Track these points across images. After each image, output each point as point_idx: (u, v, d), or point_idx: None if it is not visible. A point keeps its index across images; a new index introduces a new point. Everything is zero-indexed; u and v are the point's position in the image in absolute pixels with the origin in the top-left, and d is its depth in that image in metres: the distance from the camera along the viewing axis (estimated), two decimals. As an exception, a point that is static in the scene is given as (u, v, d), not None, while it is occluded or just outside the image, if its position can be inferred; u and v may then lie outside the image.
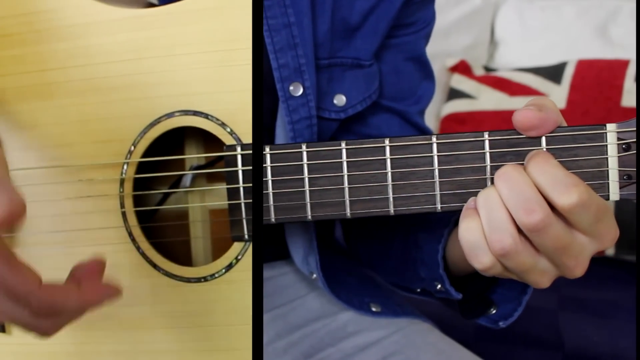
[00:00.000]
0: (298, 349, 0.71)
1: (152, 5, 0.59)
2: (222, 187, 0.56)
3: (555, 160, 0.49)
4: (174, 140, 0.61)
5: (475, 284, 0.65)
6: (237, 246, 0.56)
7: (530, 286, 0.60)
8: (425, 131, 0.75)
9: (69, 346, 0.60)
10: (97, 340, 0.59)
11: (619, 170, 0.51)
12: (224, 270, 0.56)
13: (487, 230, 0.49)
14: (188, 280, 0.57)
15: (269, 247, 0.75)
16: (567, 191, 0.47)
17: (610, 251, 1.26)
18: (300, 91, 0.63)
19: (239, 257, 0.56)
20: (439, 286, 0.62)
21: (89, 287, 0.50)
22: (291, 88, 0.63)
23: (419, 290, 0.68)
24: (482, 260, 0.49)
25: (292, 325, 0.73)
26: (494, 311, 0.63)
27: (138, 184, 0.58)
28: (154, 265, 0.58)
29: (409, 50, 0.72)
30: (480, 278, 0.64)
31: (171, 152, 0.60)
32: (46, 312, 0.48)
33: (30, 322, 0.48)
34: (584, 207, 0.47)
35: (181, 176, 0.61)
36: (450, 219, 0.63)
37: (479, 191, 0.51)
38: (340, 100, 0.68)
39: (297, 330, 0.73)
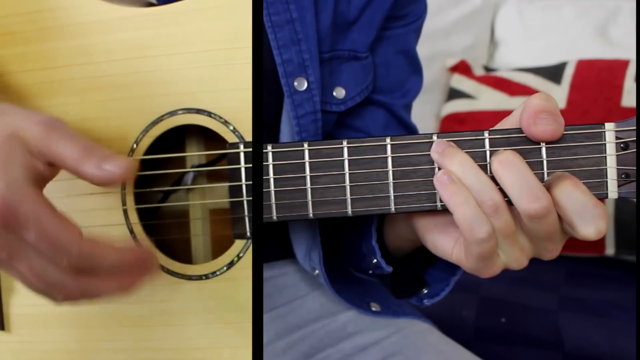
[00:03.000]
0: (298, 349, 0.71)
1: (152, 5, 0.59)
2: (225, 184, 0.56)
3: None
4: (175, 139, 0.61)
5: (410, 264, 0.66)
6: (238, 244, 0.56)
7: (461, 267, 0.60)
8: (409, 127, 0.76)
9: (69, 344, 0.60)
10: (98, 338, 0.59)
11: (617, 168, 0.51)
12: (225, 268, 0.57)
13: (475, 192, 0.49)
14: (189, 277, 0.57)
15: (270, 246, 0.75)
16: (594, 223, 0.48)
17: (610, 251, 1.26)
18: (305, 86, 0.63)
19: (241, 255, 0.56)
20: (375, 260, 0.63)
21: (129, 251, 0.50)
22: (295, 83, 0.63)
23: (370, 272, 0.68)
24: (483, 229, 0.49)
25: (292, 326, 0.73)
26: (426, 291, 0.65)
27: (140, 182, 0.58)
28: (155, 263, 0.58)
29: (399, 43, 0.73)
30: (414, 259, 0.65)
31: (172, 150, 0.61)
32: (84, 265, 0.47)
33: (59, 280, 0.47)
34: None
35: (183, 174, 0.61)
36: None
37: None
38: (339, 92, 0.68)
39: (296, 330, 0.73)
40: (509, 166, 0.49)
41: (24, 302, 0.60)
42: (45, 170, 0.50)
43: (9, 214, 0.46)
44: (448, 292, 0.64)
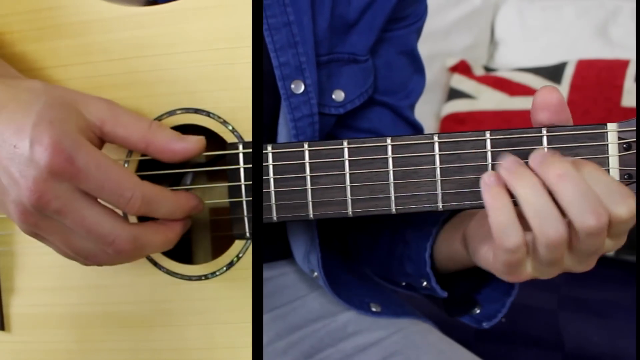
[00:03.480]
0: (298, 349, 0.71)
1: (153, 3, 0.59)
2: (224, 185, 0.56)
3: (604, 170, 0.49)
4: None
5: (461, 282, 0.65)
6: (238, 244, 0.56)
7: (515, 288, 0.61)
8: (416, 126, 0.76)
9: (69, 344, 0.60)
10: (98, 338, 0.59)
11: (620, 169, 0.51)
12: (225, 269, 0.56)
13: (538, 220, 0.47)
14: (189, 278, 0.57)
15: (270, 246, 0.75)
16: (624, 201, 0.47)
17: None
18: (302, 89, 0.63)
19: (240, 255, 0.56)
20: (425, 283, 0.63)
21: (183, 196, 0.53)
22: (292, 86, 0.63)
23: (404, 284, 0.68)
24: (512, 240, 0.48)
25: (292, 326, 0.73)
26: (478, 311, 0.64)
27: (141, 168, 0.58)
28: (155, 263, 0.58)
29: (401, 44, 0.73)
30: (466, 277, 0.65)
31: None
32: (144, 209, 0.49)
33: (113, 229, 0.48)
34: (633, 218, 0.48)
35: (182, 174, 0.61)
36: (439, 218, 0.63)
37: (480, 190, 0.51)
38: (338, 95, 0.68)
39: (297, 330, 0.73)
40: (569, 180, 0.47)
41: (24, 302, 0.60)
42: (94, 141, 0.51)
43: (67, 162, 0.46)
44: (504, 313, 0.63)
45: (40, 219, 0.48)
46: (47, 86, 0.50)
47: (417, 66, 0.75)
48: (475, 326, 0.65)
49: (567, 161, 0.48)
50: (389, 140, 0.52)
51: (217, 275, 0.57)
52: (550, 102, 0.50)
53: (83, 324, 0.59)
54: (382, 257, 0.71)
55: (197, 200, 0.54)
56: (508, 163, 0.49)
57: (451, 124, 1.48)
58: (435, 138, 0.51)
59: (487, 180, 0.49)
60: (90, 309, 0.59)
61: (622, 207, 0.47)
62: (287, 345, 0.72)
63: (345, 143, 0.52)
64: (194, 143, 0.52)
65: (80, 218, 0.48)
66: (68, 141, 0.47)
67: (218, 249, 0.58)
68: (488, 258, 0.53)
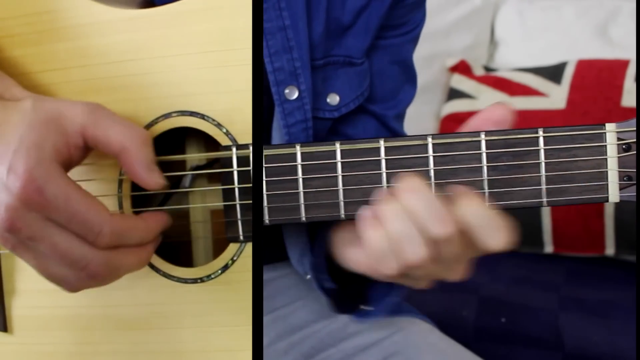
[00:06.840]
0: (298, 350, 0.71)
1: (149, 5, 0.59)
2: (218, 187, 0.56)
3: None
4: (175, 140, 0.61)
5: (350, 281, 0.65)
6: (233, 247, 0.56)
7: (398, 290, 0.62)
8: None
9: (69, 346, 0.60)
10: (97, 341, 0.59)
11: (619, 171, 0.50)
12: (220, 271, 0.57)
13: (399, 242, 0.49)
14: (185, 281, 0.57)
15: (269, 248, 0.75)
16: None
17: (610, 251, 1.26)
18: (296, 95, 0.63)
19: (235, 258, 0.56)
20: (308, 277, 0.63)
21: (152, 220, 0.54)
22: (286, 91, 0.62)
23: (308, 277, 0.68)
24: (391, 266, 0.50)
25: (292, 326, 0.73)
26: (367, 308, 0.65)
27: (136, 185, 0.58)
28: (152, 266, 0.58)
29: (395, 53, 0.72)
30: (354, 276, 0.65)
31: (171, 152, 0.61)
32: (115, 242, 0.50)
33: (86, 256, 0.49)
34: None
35: (181, 176, 0.61)
36: None
37: (479, 192, 0.51)
38: (333, 99, 0.68)
39: (297, 331, 0.73)
40: (415, 191, 0.49)
41: (26, 304, 0.61)
42: (74, 154, 0.51)
43: (37, 194, 0.47)
44: (383, 315, 0.64)
45: (17, 243, 0.49)
46: (36, 104, 0.51)
47: (409, 75, 0.75)
48: (357, 319, 0.65)
49: (415, 175, 0.50)
50: (381, 142, 0.51)
51: (212, 278, 0.57)
52: (497, 119, 0.51)
53: (83, 326, 0.60)
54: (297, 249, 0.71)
55: (165, 219, 0.55)
56: (379, 193, 0.51)
57: (451, 124, 1.47)
58: (429, 139, 0.51)
59: (362, 213, 0.51)
60: (89, 311, 0.59)
61: (492, 241, 0.48)
62: (288, 346, 0.72)
63: (337, 145, 0.52)
64: (155, 183, 0.53)
65: (52, 245, 0.49)
66: (40, 171, 0.47)
67: (220, 251, 0.58)
68: (357, 260, 0.54)
